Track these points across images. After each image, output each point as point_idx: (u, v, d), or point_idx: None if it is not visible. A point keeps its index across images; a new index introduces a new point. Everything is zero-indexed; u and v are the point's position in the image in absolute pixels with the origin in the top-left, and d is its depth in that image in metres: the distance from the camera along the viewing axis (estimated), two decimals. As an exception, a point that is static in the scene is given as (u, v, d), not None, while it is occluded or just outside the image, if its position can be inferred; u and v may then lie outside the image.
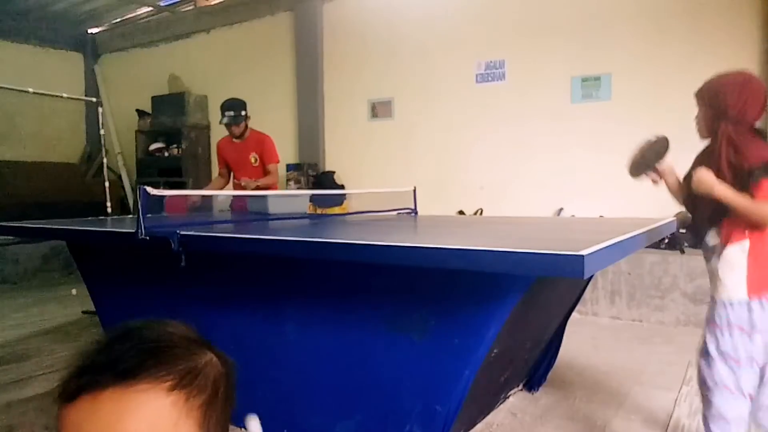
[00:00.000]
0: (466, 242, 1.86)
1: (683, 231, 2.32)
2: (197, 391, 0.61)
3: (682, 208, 2.32)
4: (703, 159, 2.09)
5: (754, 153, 1.93)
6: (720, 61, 4.62)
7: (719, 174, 1.96)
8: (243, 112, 4.55)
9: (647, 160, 2.30)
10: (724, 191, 1.93)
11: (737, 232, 2.00)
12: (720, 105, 2.00)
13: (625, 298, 4.70)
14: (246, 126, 4.61)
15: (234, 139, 4.67)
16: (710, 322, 2.08)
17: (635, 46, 5.04)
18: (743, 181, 1.92)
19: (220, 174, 4.90)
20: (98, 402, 0.57)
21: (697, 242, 2.21)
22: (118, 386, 0.57)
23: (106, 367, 0.58)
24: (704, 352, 2.08)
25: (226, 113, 4.53)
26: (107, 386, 0.57)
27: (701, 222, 2.12)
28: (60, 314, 5.14)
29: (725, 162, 1.96)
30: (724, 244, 2.03)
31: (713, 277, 2.09)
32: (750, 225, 1.96)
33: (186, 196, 4.55)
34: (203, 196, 4.65)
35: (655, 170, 2.29)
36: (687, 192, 2.15)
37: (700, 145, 2.17)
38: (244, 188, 4.47)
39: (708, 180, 1.95)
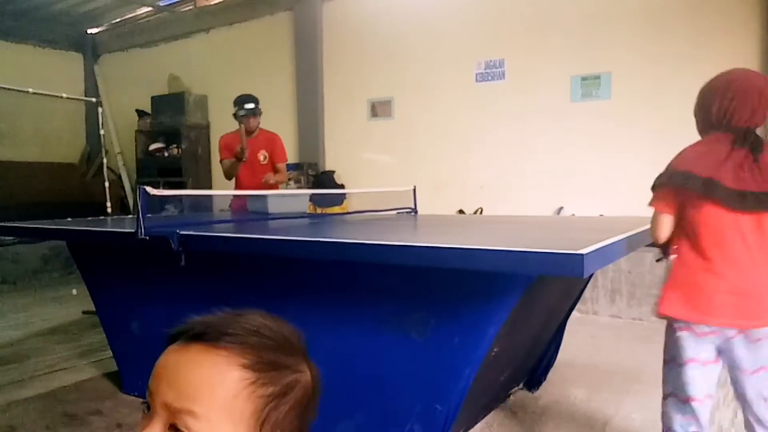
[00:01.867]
0: (466, 241, 1.86)
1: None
2: (268, 382, 0.65)
3: None
4: None
5: (677, 159, 1.80)
6: (720, 59, 4.62)
7: None
8: (259, 106, 4.62)
9: None
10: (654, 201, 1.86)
11: (673, 247, 1.90)
12: (705, 113, 1.83)
13: (625, 296, 4.70)
14: (259, 121, 4.67)
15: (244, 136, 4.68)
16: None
17: (635, 45, 5.04)
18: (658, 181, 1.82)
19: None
20: (184, 350, 0.65)
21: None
22: (202, 344, 0.64)
23: (205, 327, 0.66)
24: (662, 392, 1.94)
25: (245, 105, 4.57)
26: (194, 342, 0.65)
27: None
28: (60, 314, 5.14)
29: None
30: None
31: None
32: (681, 236, 1.84)
33: (240, 196, 4.53)
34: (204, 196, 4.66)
35: None
36: None
37: None
38: (264, 185, 4.49)
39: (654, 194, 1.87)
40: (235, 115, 4.64)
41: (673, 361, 1.86)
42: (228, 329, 0.65)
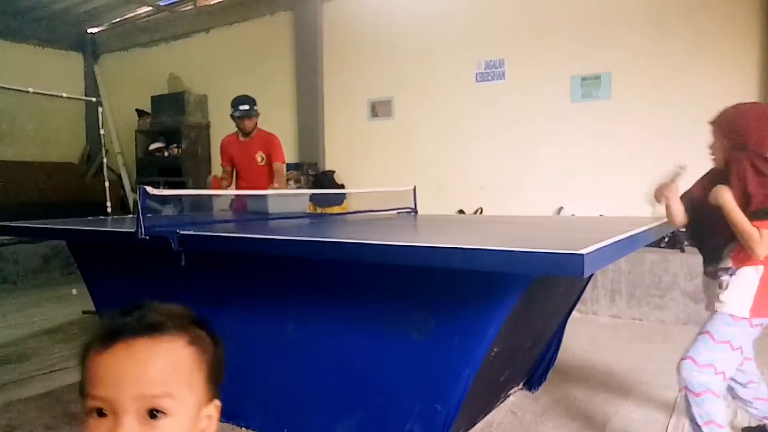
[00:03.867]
0: (466, 241, 1.86)
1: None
2: (204, 351, 0.76)
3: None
4: (711, 182, 2.12)
5: None
6: (720, 60, 4.63)
7: (737, 197, 2.02)
8: (255, 107, 4.59)
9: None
10: (731, 203, 1.99)
11: (751, 258, 2.07)
12: (739, 136, 2.05)
13: (625, 296, 4.70)
14: (256, 122, 4.64)
15: (241, 137, 4.68)
16: (706, 333, 2.13)
17: (635, 45, 5.04)
18: (759, 214, 1.99)
19: (224, 172, 4.86)
20: (132, 346, 0.71)
21: (711, 260, 2.25)
22: (148, 337, 0.72)
23: (137, 323, 0.73)
24: (692, 358, 2.12)
25: (240, 107, 4.55)
26: (140, 336, 0.72)
27: (714, 240, 2.17)
28: (60, 314, 5.14)
29: (748, 187, 2.01)
30: (739, 264, 2.09)
31: (715, 292, 2.14)
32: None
33: (240, 196, 4.54)
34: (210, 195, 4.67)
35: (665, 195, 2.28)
36: (692, 208, 2.21)
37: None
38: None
39: (724, 194, 2.01)
40: (232, 116, 4.64)
41: (728, 344, 2.08)
42: (156, 320, 0.74)
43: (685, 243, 4.49)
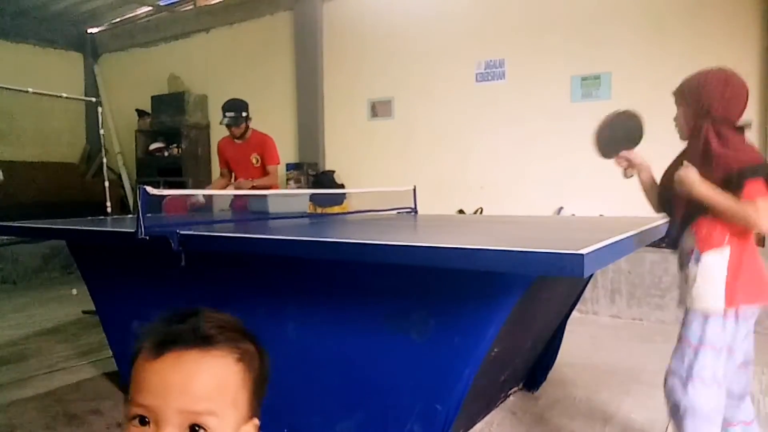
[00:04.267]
0: (466, 241, 1.86)
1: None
2: (252, 369, 0.75)
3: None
4: (683, 159, 1.99)
5: (741, 152, 1.86)
6: (720, 60, 4.59)
7: (704, 173, 1.85)
8: (244, 113, 4.54)
9: (616, 139, 2.21)
10: (705, 190, 1.83)
11: (716, 238, 1.89)
12: (703, 103, 1.92)
13: (625, 296, 4.70)
14: (247, 127, 4.60)
15: (235, 140, 4.67)
16: (683, 339, 1.97)
17: (635, 45, 5.04)
18: (732, 181, 1.82)
19: (221, 174, 4.90)
20: (183, 358, 0.70)
21: (672, 245, 2.09)
22: (199, 348, 0.71)
23: (191, 334, 0.71)
24: (677, 374, 1.96)
25: (227, 114, 4.52)
26: (191, 347, 0.70)
27: (674, 224, 2.03)
28: (60, 314, 5.14)
29: (717, 160, 1.85)
30: (701, 250, 1.91)
31: (686, 284, 1.96)
32: (732, 230, 1.87)
33: (185, 196, 4.54)
34: (205, 196, 4.64)
35: (626, 157, 2.19)
36: (661, 192, 2.08)
37: None
38: (238, 189, 4.47)
39: (690, 178, 1.85)
40: (221, 122, 4.61)
41: (709, 347, 1.91)
42: (210, 332, 0.72)
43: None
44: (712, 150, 1.87)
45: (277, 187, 4.76)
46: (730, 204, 1.80)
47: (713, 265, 1.89)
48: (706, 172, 1.86)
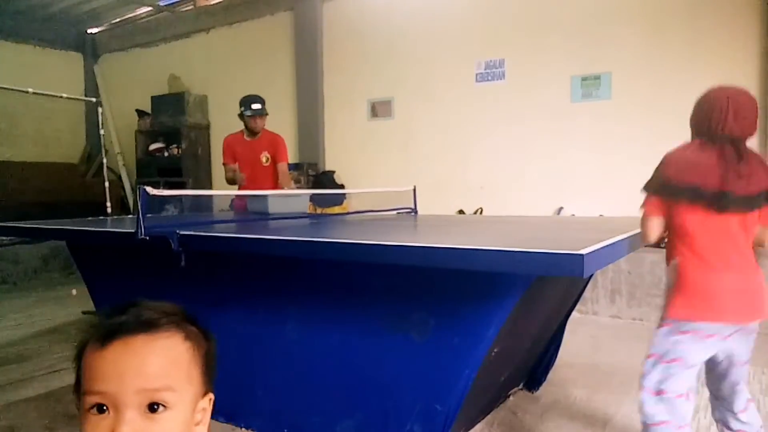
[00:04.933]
0: (466, 242, 1.86)
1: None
2: (199, 346, 0.79)
3: None
4: None
5: (674, 165, 1.86)
6: (720, 60, 4.63)
7: None
8: (265, 107, 4.61)
9: None
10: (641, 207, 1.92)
11: (669, 251, 1.94)
12: (702, 123, 1.89)
13: (625, 297, 4.70)
14: (265, 122, 4.66)
15: (246, 137, 4.68)
16: (649, 351, 1.97)
17: (635, 45, 5.04)
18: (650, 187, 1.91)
19: (229, 168, 4.78)
20: (131, 344, 0.73)
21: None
22: (146, 333, 0.74)
23: (134, 321, 0.75)
24: (643, 384, 1.97)
25: (253, 106, 4.56)
26: (138, 333, 0.74)
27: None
28: (60, 314, 5.14)
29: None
30: (666, 263, 1.97)
31: None
32: (678, 244, 1.88)
33: (241, 196, 4.54)
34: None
35: None
36: None
37: None
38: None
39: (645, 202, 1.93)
40: (240, 115, 4.62)
41: (664, 358, 1.90)
42: (152, 317, 0.76)
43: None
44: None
45: (280, 187, 4.77)
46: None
47: (669, 279, 1.93)
48: None
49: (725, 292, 1.82)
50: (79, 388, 0.75)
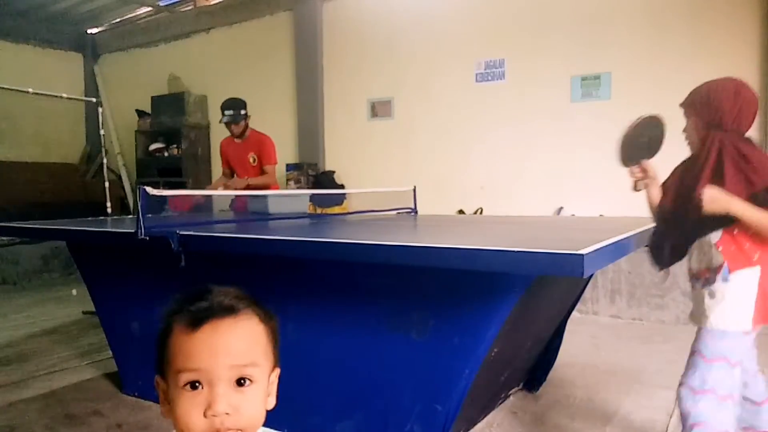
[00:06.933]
0: (466, 241, 1.86)
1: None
2: (270, 326, 0.89)
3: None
4: (689, 171, 1.94)
5: (765, 164, 1.80)
6: (720, 60, 4.63)
7: (725, 187, 1.79)
8: (242, 112, 4.56)
9: (639, 145, 2.09)
10: (742, 207, 1.76)
11: (747, 256, 1.83)
12: (714, 114, 1.88)
13: (625, 297, 4.70)
14: (246, 125, 4.61)
15: (235, 139, 4.68)
16: (696, 352, 1.93)
17: (635, 45, 5.04)
18: (759, 197, 1.76)
19: (223, 173, 4.91)
20: (219, 327, 0.82)
21: (664, 262, 2.03)
22: (230, 316, 0.83)
23: (218, 307, 0.83)
24: (688, 385, 1.93)
25: (226, 112, 4.54)
26: (224, 317, 0.82)
27: (666, 241, 1.97)
28: (60, 314, 5.14)
29: (734, 174, 1.80)
30: (731, 268, 1.84)
31: (704, 300, 1.90)
32: (762, 248, 1.82)
33: (189, 195, 4.55)
34: (205, 195, 4.66)
35: (643, 168, 2.08)
36: (665, 208, 2.00)
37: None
38: (228, 188, 4.49)
39: (723, 197, 1.78)
40: (220, 121, 4.63)
41: (723, 360, 1.88)
42: (233, 302, 0.85)
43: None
44: (726, 164, 1.82)
45: (276, 187, 4.76)
46: (761, 217, 1.76)
47: (745, 284, 1.83)
48: (723, 186, 1.80)
49: None
50: (162, 370, 0.84)
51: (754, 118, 1.91)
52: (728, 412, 1.88)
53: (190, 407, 0.79)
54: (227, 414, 0.78)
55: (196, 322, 0.81)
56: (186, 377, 0.79)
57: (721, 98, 1.88)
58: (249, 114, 4.61)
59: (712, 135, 1.89)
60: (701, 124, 1.94)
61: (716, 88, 1.92)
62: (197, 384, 0.79)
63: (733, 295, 1.84)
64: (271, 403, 0.89)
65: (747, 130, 1.91)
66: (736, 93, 1.88)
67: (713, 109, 1.89)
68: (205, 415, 0.78)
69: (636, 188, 2.13)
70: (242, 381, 0.81)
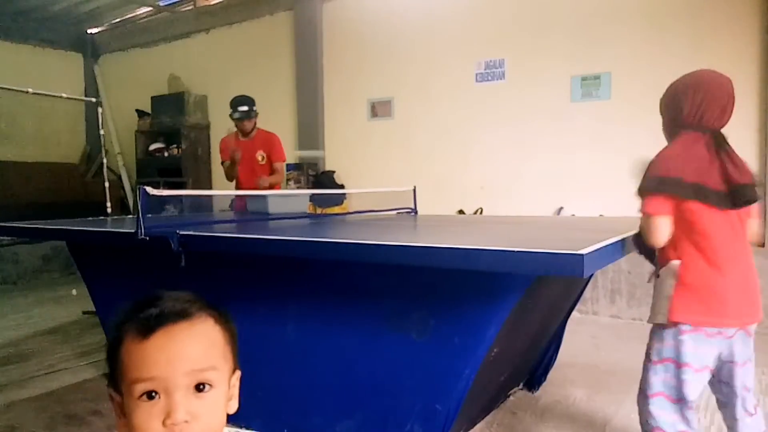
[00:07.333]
0: (466, 242, 1.86)
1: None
2: (227, 328, 0.86)
3: None
4: None
5: (671, 161, 1.77)
6: (720, 60, 4.63)
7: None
8: (254, 108, 4.60)
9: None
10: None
11: (669, 252, 1.84)
12: (675, 110, 1.86)
13: (625, 296, 4.70)
14: (255, 123, 4.65)
15: (241, 137, 4.68)
16: (645, 356, 1.93)
17: (635, 45, 5.04)
18: (642, 185, 1.80)
19: (226, 165, 4.81)
20: (173, 332, 0.78)
21: (649, 257, 2.02)
22: (183, 321, 0.80)
23: (170, 312, 0.80)
24: (640, 390, 1.94)
25: (239, 108, 4.56)
26: (177, 322, 0.79)
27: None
28: (60, 314, 5.14)
29: (648, 167, 1.81)
30: (660, 264, 1.89)
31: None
32: (684, 244, 1.80)
33: (241, 196, 4.54)
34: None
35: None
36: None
37: None
38: (258, 187, 4.49)
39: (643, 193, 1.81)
40: (231, 117, 4.64)
41: (668, 362, 1.86)
42: (185, 306, 0.82)
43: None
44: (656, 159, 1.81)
45: (278, 187, 4.76)
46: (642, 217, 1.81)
47: (664, 280, 1.85)
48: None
49: (731, 293, 1.78)
50: (115, 382, 0.80)
51: (724, 113, 1.80)
52: (681, 415, 1.84)
53: (148, 418, 0.75)
54: (186, 422, 0.75)
55: (148, 329, 0.77)
56: (141, 387, 0.76)
57: (680, 94, 1.84)
58: (258, 112, 4.65)
59: (675, 131, 1.88)
60: (667, 122, 1.94)
61: (678, 83, 1.88)
62: (153, 394, 0.76)
63: (657, 291, 1.87)
64: (233, 406, 0.86)
65: (717, 125, 1.81)
66: (695, 88, 1.81)
67: (673, 106, 1.87)
68: (164, 425, 0.75)
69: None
70: (201, 386, 0.78)
